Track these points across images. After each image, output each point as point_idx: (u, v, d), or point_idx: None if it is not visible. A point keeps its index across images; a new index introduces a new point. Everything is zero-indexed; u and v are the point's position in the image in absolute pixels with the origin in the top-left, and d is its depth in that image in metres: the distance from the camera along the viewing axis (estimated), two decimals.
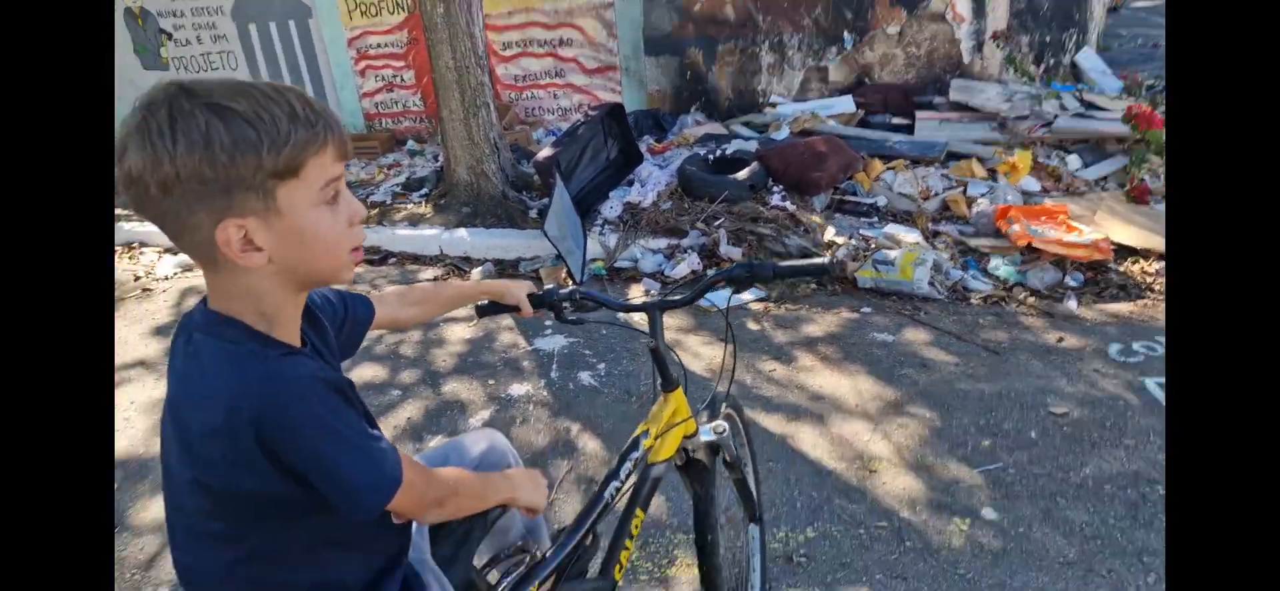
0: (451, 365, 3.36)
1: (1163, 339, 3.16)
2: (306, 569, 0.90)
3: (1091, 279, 3.65)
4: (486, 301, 1.44)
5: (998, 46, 5.71)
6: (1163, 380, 2.86)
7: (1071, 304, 3.47)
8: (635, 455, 1.40)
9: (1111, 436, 2.54)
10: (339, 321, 1.07)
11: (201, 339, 0.83)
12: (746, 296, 3.78)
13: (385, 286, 4.39)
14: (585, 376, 3.15)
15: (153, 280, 4.79)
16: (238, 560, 0.87)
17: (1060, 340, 3.20)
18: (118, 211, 5.79)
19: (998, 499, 2.29)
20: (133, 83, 7.50)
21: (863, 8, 5.67)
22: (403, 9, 6.95)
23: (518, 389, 3.11)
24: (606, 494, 1.38)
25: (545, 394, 3.05)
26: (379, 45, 7.20)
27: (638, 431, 1.43)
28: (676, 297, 1.45)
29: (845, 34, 5.80)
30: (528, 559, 1.33)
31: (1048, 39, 6.16)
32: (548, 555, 1.32)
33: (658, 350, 1.41)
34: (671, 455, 1.45)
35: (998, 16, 5.70)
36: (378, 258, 4.85)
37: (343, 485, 0.83)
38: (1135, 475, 2.34)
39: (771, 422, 2.75)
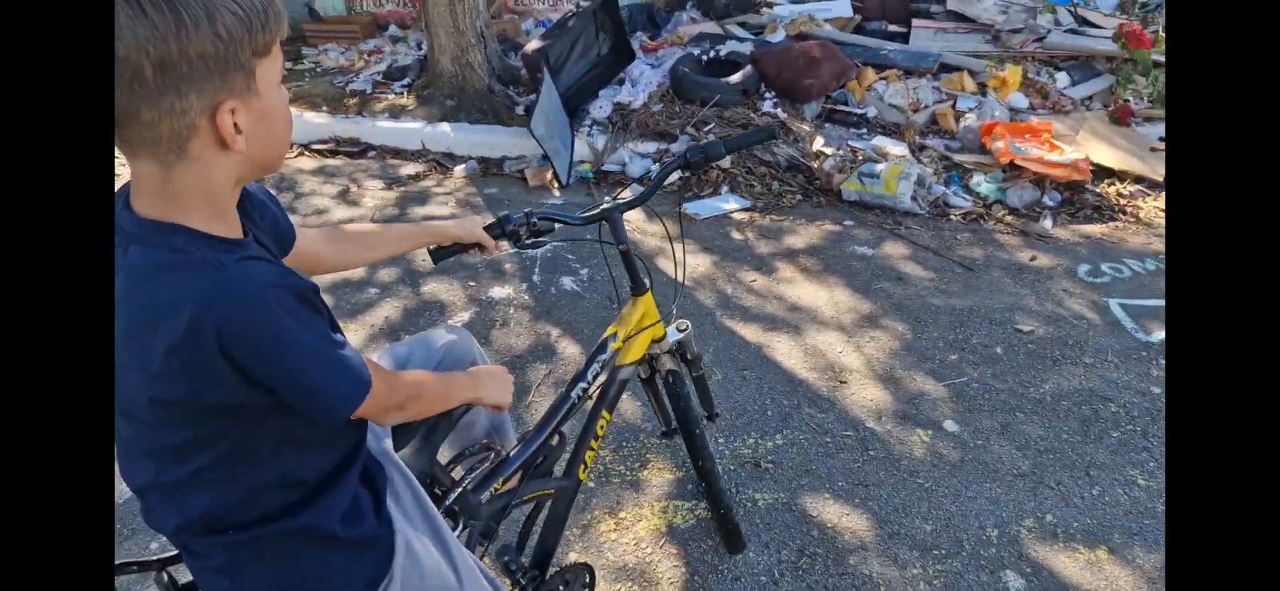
0: (431, 265, 3.33)
1: (1130, 261, 3.24)
2: (270, 467, 0.90)
3: (1068, 199, 3.69)
4: (438, 245, 1.34)
5: None
6: (1126, 301, 2.95)
7: (1047, 223, 3.52)
8: (603, 357, 1.43)
9: (1072, 354, 2.63)
10: (269, 216, 1.01)
11: (143, 251, 0.78)
12: (731, 206, 3.79)
13: (364, 181, 4.34)
14: (567, 281, 3.19)
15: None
16: (202, 466, 0.86)
17: (1032, 258, 3.26)
18: None
19: (960, 411, 2.39)
20: None
21: None
22: None
23: (499, 292, 3.14)
24: (573, 394, 1.41)
25: (527, 297, 3.09)
26: None
27: (606, 334, 1.46)
28: (629, 199, 1.45)
29: None
30: (493, 456, 1.37)
31: None
32: (513, 453, 1.35)
33: (628, 253, 1.43)
34: (639, 357, 1.49)
35: None
36: (357, 150, 4.73)
37: (311, 394, 0.84)
38: (1090, 392, 2.45)
39: (749, 332, 2.82)
